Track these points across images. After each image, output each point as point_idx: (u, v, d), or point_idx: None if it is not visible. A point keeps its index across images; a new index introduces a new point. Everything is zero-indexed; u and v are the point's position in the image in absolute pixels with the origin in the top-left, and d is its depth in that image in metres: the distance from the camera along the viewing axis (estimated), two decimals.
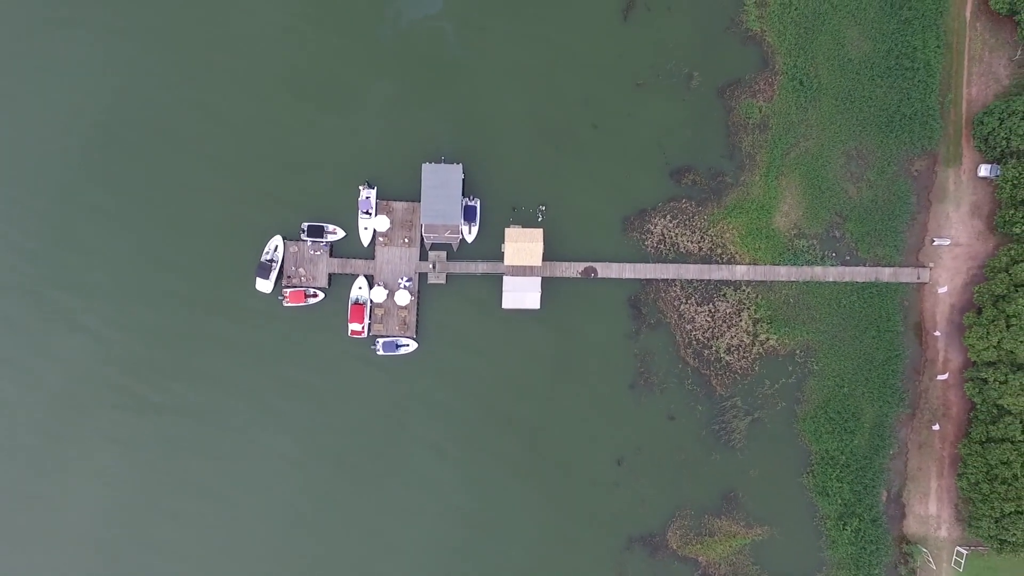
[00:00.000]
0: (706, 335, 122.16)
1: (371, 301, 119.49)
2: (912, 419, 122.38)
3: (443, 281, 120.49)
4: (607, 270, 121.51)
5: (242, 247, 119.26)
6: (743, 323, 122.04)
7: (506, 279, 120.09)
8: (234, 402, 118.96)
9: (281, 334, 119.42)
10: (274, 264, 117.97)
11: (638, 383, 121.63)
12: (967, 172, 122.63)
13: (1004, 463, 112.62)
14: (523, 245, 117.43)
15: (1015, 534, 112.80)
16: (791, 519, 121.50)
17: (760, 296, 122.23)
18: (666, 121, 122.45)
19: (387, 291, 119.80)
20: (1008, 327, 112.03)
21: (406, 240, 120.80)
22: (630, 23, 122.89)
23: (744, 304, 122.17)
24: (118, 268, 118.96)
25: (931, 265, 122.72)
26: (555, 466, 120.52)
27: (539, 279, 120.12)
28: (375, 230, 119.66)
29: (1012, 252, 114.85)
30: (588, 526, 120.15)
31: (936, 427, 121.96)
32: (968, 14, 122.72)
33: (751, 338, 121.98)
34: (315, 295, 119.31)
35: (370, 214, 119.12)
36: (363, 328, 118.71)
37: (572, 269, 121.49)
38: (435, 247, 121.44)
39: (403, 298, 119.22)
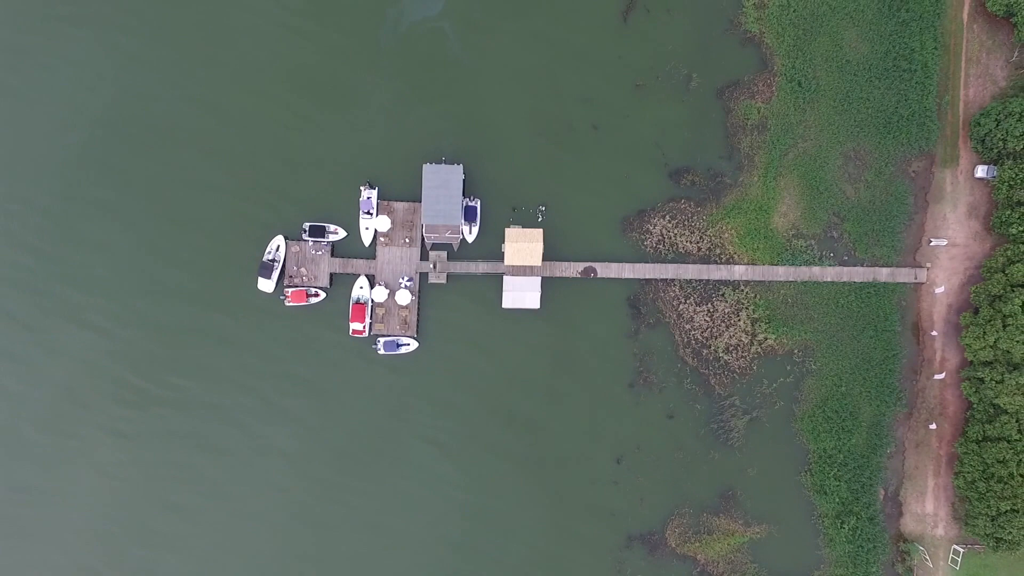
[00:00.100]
0: (705, 335, 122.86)
1: (372, 301, 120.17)
2: (909, 418, 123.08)
3: (444, 281, 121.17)
4: (606, 270, 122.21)
5: (244, 247, 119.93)
6: (742, 323, 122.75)
7: (506, 279, 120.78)
8: (236, 399, 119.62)
9: (283, 333, 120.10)
10: (276, 264, 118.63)
11: (637, 382, 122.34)
12: (964, 173, 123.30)
13: (1000, 462, 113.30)
14: (523, 245, 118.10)
15: (1011, 532, 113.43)
16: (789, 517, 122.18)
17: (758, 296, 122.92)
18: (665, 122, 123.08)
19: (388, 291, 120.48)
20: (1004, 327, 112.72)
21: (407, 240, 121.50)
22: (630, 25, 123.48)
23: (742, 304, 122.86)
24: (121, 265, 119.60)
25: (928, 265, 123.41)
26: (555, 464, 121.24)
27: (539, 279, 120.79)
28: (376, 230, 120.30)
29: (1008, 252, 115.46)
30: (587, 524, 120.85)
31: (933, 426, 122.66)
32: (965, 16, 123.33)
33: (749, 337, 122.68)
34: (316, 295, 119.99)
35: (371, 214, 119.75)
36: (364, 327, 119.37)
37: (572, 269, 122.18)
38: (436, 247, 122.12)
39: (404, 298, 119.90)
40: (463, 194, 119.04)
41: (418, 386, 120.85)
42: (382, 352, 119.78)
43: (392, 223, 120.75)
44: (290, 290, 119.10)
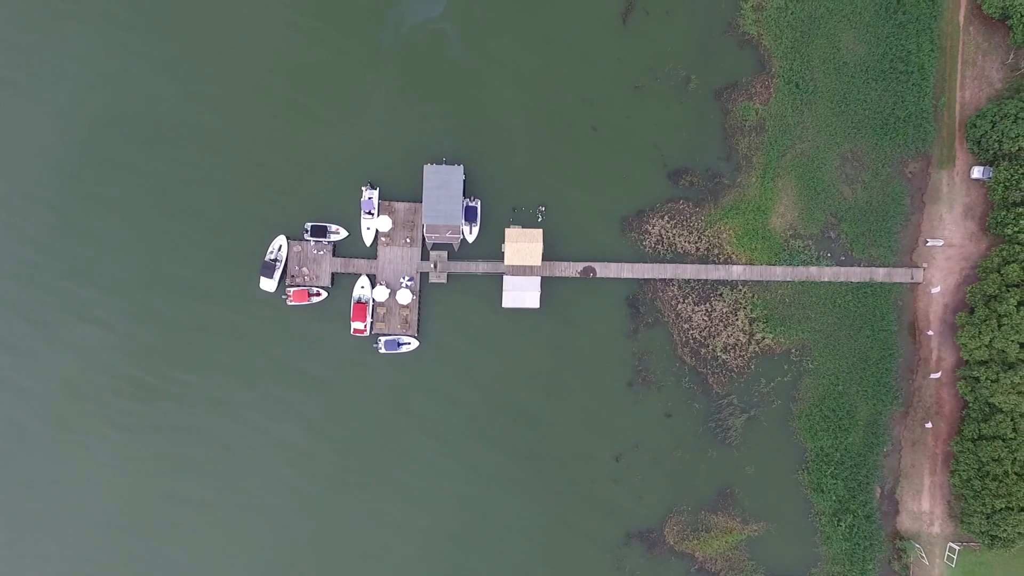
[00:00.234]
0: (703, 334, 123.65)
1: (373, 300, 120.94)
2: (905, 417, 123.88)
3: (444, 280, 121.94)
4: (606, 270, 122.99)
5: (245, 246, 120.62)
6: (739, 322, 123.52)
7: (506, 279, 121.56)
8: (238, 394, 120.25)
9: (285, 329, 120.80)
10: (278, 263, 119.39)
11: (636, 381, 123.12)
12: (960, 174, 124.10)
13: (995, 460, 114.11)
14: (523, 245, 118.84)
15: (1006, 529, 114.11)
16: (786, 515, 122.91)
17: (756, 296, 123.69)
18: (664, 123, 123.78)
19: (389, 290, 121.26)
20: (1000, 327, 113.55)
21: (408, 240, 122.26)
22: (629, 27, 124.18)
23: (740, 303, 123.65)
24: (124, 260, 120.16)
25: (925, 265, 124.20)
26: (554, 462, 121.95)
27: (539, 279, 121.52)
28: (377, 230, 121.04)
29: (1004, 253, 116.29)
30: (587, 521, 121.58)
31: (929, 425, 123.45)
32: (961, 18, 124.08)
33: (747, 337, 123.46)
34: (318, 294, 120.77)
35: (372, 214, 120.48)
36: (365, 327, 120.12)
37: (571, 269, 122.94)
38: (436, 247, 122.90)
39: (405, 297, 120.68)
40: (463, 194, 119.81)
41: (419, 384, 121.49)
42: (383, 351, 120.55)
43: (393, 223, 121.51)
44: (292, 290, 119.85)
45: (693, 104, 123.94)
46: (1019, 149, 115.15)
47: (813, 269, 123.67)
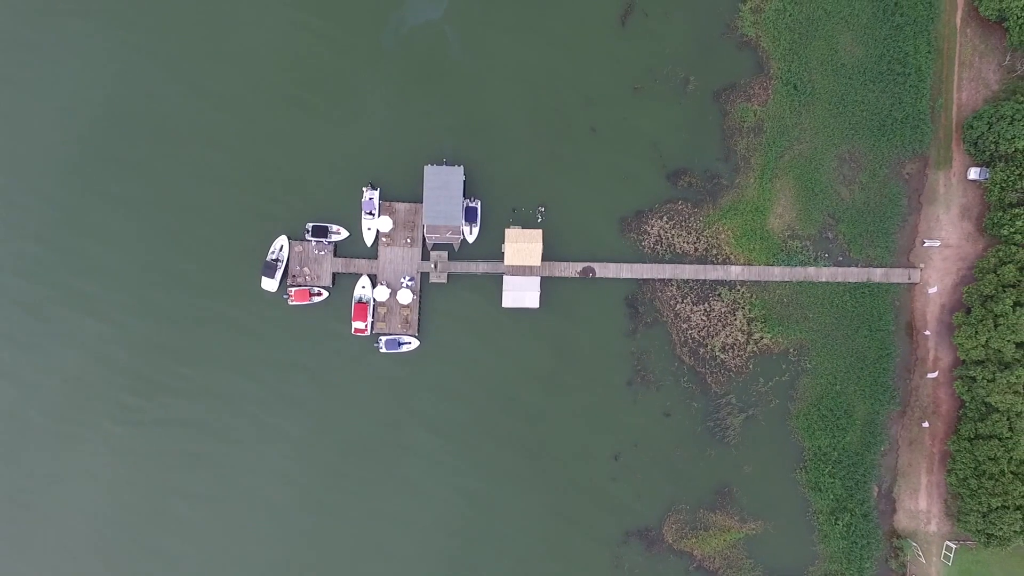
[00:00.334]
0: (701, 334, 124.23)
1: (374, 300, 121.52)
2: (903, 416, 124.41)
3: (444, 280, 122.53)
4: (605, 270, 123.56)
5: (247, 244, 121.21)
6: (738, 322, 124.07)
7: (506, 279, 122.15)
8: (241, 389, 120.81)
9: (286, 332, 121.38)
10: (279, 263, 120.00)
11: (635, 380, 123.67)
12: (957, 175, 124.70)
13: (992, 459, 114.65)
14: (523, 245, 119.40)
15: (1002, 528, 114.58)
16: (784, 514, 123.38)
17: (754, 296, 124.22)
18: (663, 124, 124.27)
19: (390, 290, 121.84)
20: (996, 327, 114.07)
21: (408, 240, 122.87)
22: (628, 29, 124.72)
23: (739, 304, 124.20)
24: (128, 256, 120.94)
25: (922, 266, 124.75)
26: (553, 461, 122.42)
27: (538, 279, 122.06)
28: (378, 230, 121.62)
29: (1000, 253, 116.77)
30: (585, 519, 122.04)
31: (926, 424, 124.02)
32: (959, 20, 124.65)
33: (745, 337, 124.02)
34: (319, 294, 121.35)
35: (373, 215, 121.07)
36: (366, 326, 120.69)
37: (571, 269, 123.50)
38: (437, 247, 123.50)
39: (405, 297, 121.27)
40: (464, 195, 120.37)
41: (419, 383, 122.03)
42: (384, 350, 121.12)
43: (394, 223, 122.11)
44: (293, 289, 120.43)
45: (692, 105, 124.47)
46: (1015, 150, 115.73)
47: (811, 269, 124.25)
